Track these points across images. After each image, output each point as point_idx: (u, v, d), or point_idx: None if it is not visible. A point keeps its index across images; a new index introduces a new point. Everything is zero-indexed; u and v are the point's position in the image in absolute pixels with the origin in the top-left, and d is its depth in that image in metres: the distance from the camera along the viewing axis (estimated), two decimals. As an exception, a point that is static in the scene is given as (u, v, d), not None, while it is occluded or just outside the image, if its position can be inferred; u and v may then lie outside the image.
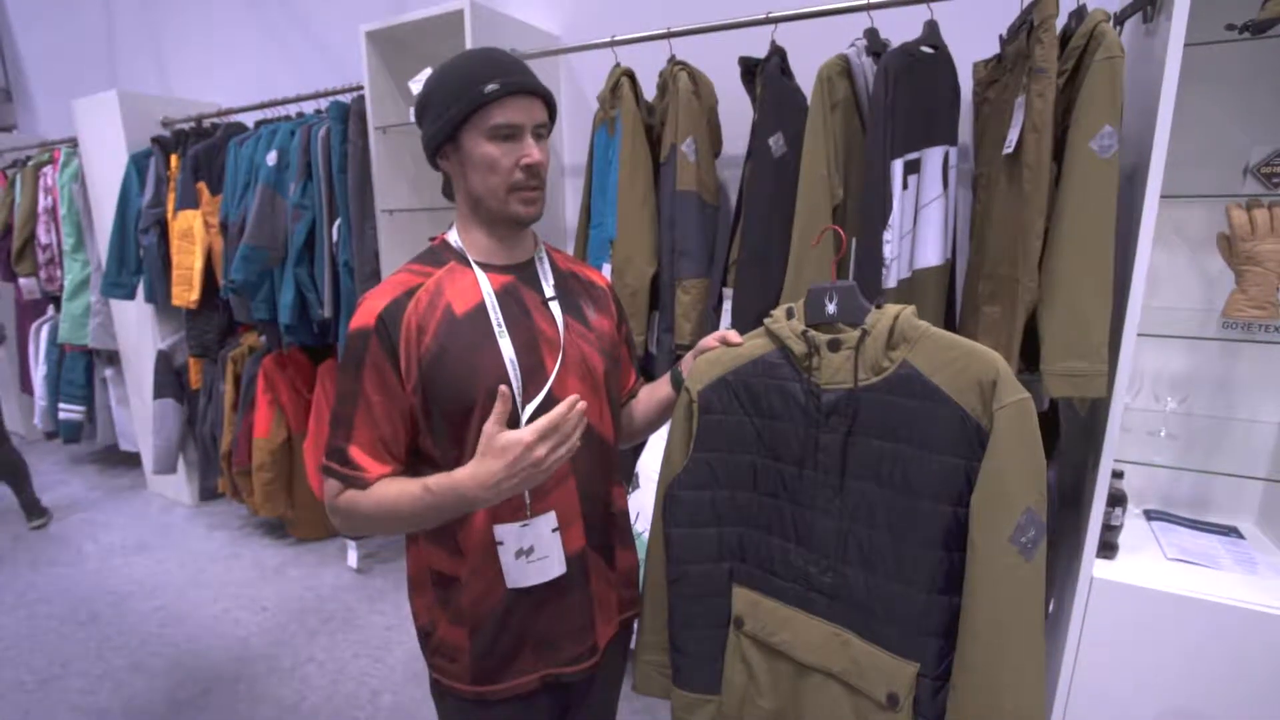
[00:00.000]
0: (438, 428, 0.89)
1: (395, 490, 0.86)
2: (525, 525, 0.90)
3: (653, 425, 1.13)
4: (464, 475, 0.80)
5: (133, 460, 3.80)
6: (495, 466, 0.78)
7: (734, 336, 1.00)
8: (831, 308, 0.91)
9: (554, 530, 0.91)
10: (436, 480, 0.82)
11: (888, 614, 0.88)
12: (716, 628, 1.02)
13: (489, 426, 0.79)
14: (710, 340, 1.02)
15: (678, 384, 1.05)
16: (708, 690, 1.03)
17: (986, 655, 0.80)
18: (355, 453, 0.87)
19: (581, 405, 0.80)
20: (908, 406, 0.84)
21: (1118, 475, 1.33)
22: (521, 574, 0.90)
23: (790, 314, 0.95)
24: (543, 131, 0.90)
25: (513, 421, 0.88)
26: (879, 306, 0.89)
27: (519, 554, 0.89)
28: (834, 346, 0.89)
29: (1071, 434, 1.53)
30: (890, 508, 0.87)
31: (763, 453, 0.97)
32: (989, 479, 0.79)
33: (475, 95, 0.85)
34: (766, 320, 0.96)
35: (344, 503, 0.88)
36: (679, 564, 1.01)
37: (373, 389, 0.87)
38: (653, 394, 1.11)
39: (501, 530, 0.90)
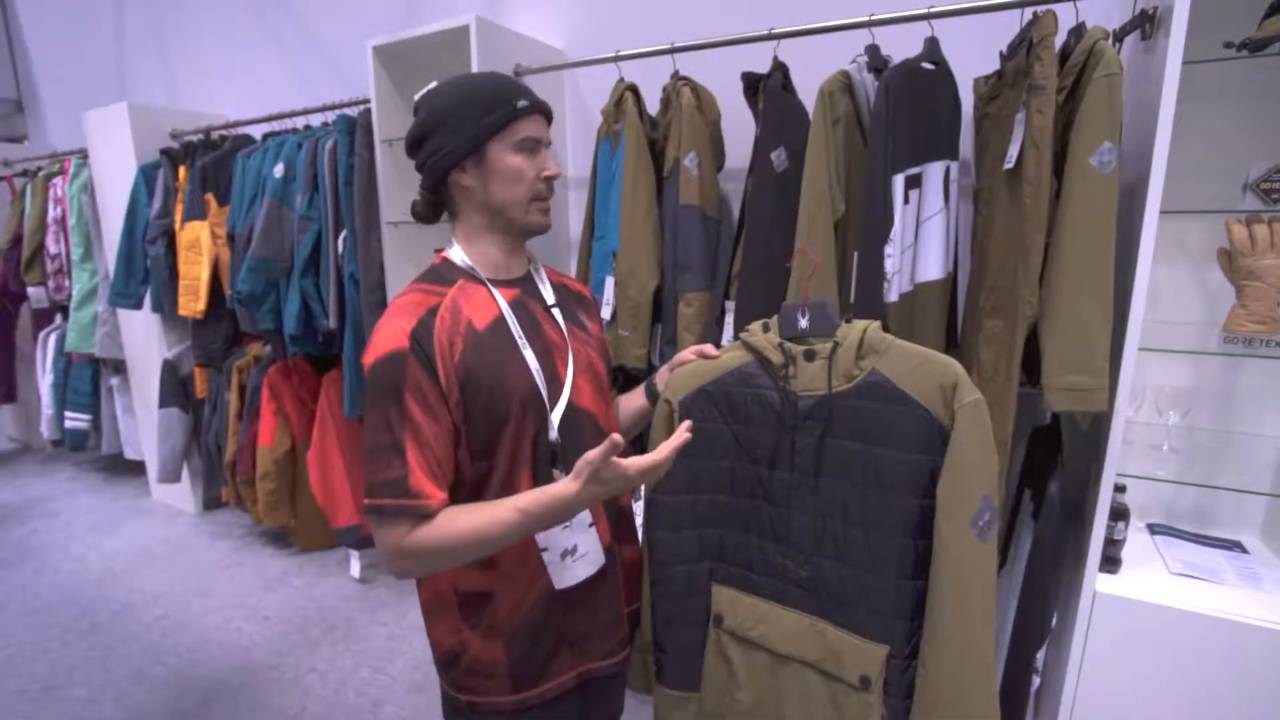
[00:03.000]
0: (472, 442, 0.89)
1: (479, 520, 0.81)
2: (566, 527, 0.93)
3: (627, 434, 1.15)
4: (568, 493, 0.79)
5: (137, 469, 3.81)
6: (599, 490, 0.80)
7: (711, 350, 1.05)
8: (804, 322, 0.98)
9: (590, 525, 0.95)
10: (532, 501, 0.80)
11: (860, 601, 0.96)
12: (697, 626, 1.07)
13: (597, 456, 0.77)
14: (687, 354, 1.06)
15: (653, 397, 1.09)
16: (688, 688, 1.08)
17: (951, 622, 0.88)
18: (417, 480, 0.82)
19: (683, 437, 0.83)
20: (877, 410, 0.92)
21: (1120, 489, 1.33)
22: (569, 574, 0.93)
23: (766, 328, 1.01)
24: (550, 149, 0.98)
25: (543, 429, 0.91)
26: (848, 322, 0.96)
27: (564, 554, 0.92)
28: (809, 357, 0.96)
29: (1074, 448, 1.53)
30: (863, 503, 0.94)
31: (741, 457, 1.03)
32: (952, 471, 0.87)
33: (509, 109, 0.91)
34: (743, 334, 1.02)
35: (412, 543, 0.81)
36: (661, 566, 1.06)
37: (418, 411, 0.83)
38: (629, 403, 1.14)
39: (545, 537, 0.92)
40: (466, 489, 0.91)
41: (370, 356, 0.85)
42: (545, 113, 0.96)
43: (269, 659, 2.26)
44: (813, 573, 0.98)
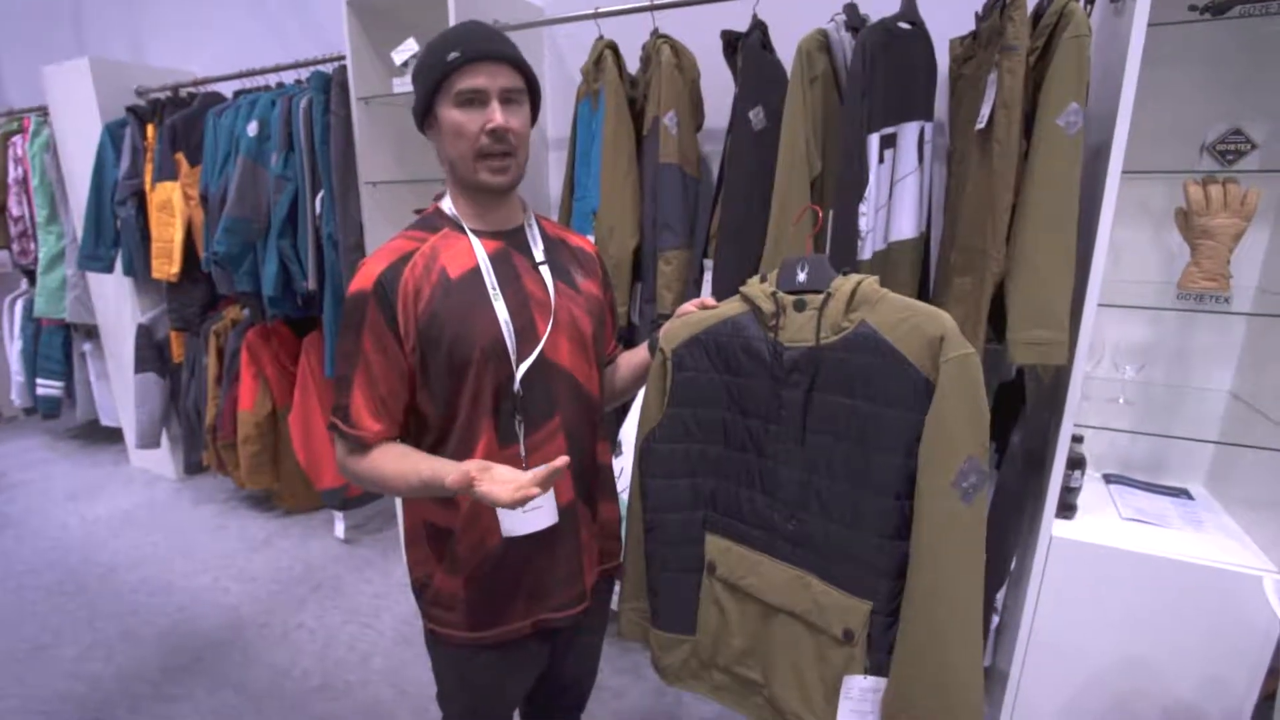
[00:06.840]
0: (434, 386, 0.93)
1: (395, 469, 0.92)
2: None
3: (630, 389, 1.18)
4: (443, 477, 0.84)
5: (114, 435, 3.78)
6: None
7: (711, 301, 1.05)
8: (802, 275, 0.97)
9: None
10: (432, 470, 0.87)
11: (844, 557, 0.96)
12: (691, 573, 1.09)
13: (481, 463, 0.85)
14: (689, 305, 1.07)
15: (654, 350, 1.09)
16: (683, 631, 1.11)
17: (930, 591, 0.87)
18: (356, 411, 0.92)
19: (561, 462, 0.84)
20: (864, 364, 0.90)
21: (1077, 440, 1.40)
22: (517, 524, 0.94)
23: (764, 279, 1.00)
24: (514, 96, 0.91)
25: (508, 380, 0.93)
26: (846, 275, 0.95)
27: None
28: (799, 307, 0.96)
29: (1036, 400, 1.59)
30: (847, 460, 0.94)
31: (732, 408, 1.03)
32: (933, 427, 0.85)
33: (439, 64, 0.89)
34: (742, 287, 1.01)
35: (351, 465, 0.95)
36: (655, 512, 1.08)
37: (372, 350, 0.91)
38: (631, 359, 1.16)
39: None
40: (432, 432, 0.97)
41: (348, 292, 0.93)
42: (495, 58, 0.88)
43: (258, 616, 2.30)
44: (799, 527, 0.99)
